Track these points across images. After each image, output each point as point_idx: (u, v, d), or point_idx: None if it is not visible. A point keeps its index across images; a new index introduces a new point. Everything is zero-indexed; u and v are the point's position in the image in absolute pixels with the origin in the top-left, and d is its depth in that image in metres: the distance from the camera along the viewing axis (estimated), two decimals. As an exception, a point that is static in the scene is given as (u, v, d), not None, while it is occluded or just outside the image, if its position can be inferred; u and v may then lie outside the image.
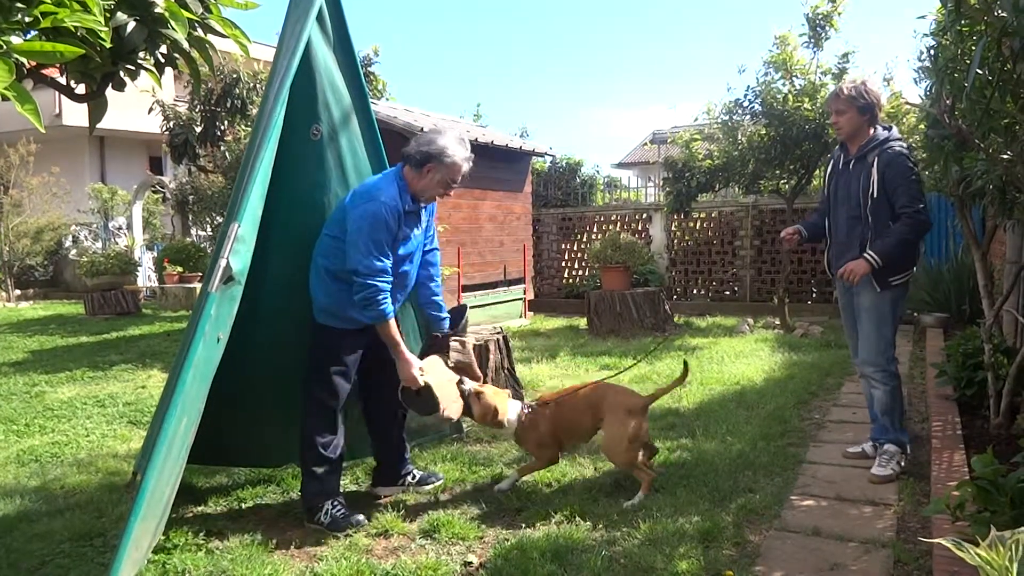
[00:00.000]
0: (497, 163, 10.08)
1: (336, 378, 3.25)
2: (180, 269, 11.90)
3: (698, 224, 11.53)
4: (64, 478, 3.94)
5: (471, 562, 2.85)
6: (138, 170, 18.14)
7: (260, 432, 3.68)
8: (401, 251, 3.25)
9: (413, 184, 3.25)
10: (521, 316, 10.68)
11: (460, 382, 3.46)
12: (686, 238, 11.63)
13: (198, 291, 3.87)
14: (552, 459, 3.61)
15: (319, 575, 2.77)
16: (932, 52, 3.42)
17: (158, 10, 2.47)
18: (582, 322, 9.53)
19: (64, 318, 11.17)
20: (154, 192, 15.52)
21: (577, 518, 3.18)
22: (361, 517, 3.20)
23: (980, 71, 2.78)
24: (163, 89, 5.96)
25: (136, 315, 11.04)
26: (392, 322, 3.22)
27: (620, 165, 24.56)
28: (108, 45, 2.28)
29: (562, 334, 8.95)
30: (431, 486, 3.62)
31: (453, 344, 3.55)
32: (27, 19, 1.97)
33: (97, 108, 2.75)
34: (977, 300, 5.35)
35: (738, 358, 6.82)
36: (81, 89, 2.77)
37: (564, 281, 12.61)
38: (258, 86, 10.41)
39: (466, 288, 9.57)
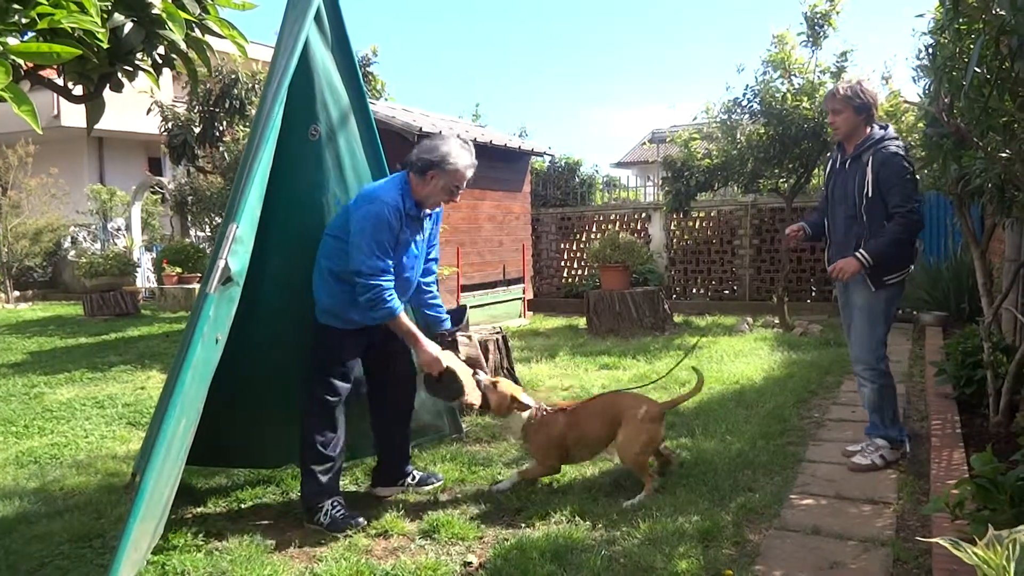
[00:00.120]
0: (496, 163, 10.07)
1: (337, 378, 3.25)
2: (179, 270, 11.88)
3: (697, 223, 11.52)
4: (63, 479, 3.93)
5: (471, 562, 2.85)
6: (137, 171, 18.13)
7: (259, 432, 3.68)
8: (404, 259, 3.27)
9: (417, 190, 3.26)
10: (520, 316, 10.68)
11: (474, 374, 3.51)
12: (685, 237, 11.63)
13: (197, 292, 3.86)
14: (554, 468, 3.59)
15: (319, 575, 2.77)
16: (930, 50, 3.43)
17: (155, 11, 2.47)
18: (581, 322, 9.53)
19: (63, 319, 11.16)
20: (153, 193, 15.51)
21: (577, 518, 3.17)
22: (361, 518, 3.20)
23: (978, 69, 2.78)
24: (161, 90, 5.96)
25: (135, 316, 11.04)
26: (403, 315, 3.25)
27: (619, 164, 24.55)
28: (105, 46, 2.28)
29: (561, 334, 8.95)
30: (431, 487, 3.62)
31: (461, 339, 3.60)
32: (24, 20, 1.97)
33: (95, 109, 2.75)
34: (976, 298, 5.35)
35: (737, 357, 6.82)
36: (79, 90, 2.77)
37: (563, 281, 12.60)
38: (257, 87, 10.40)
39: (465, 288, 9.56)
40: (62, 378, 6.66)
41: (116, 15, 2.39)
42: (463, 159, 3.25)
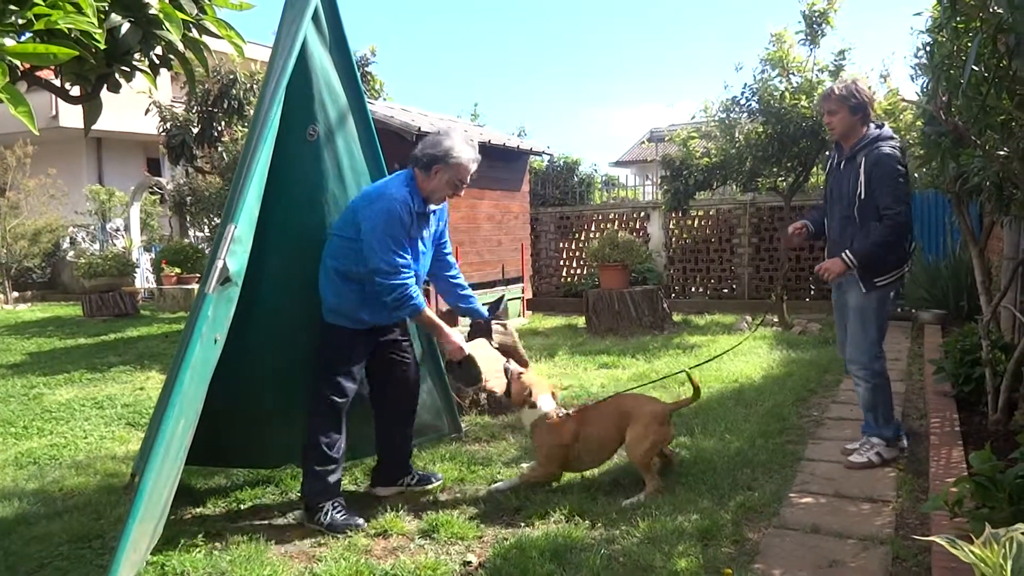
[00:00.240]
0: (495, 162, 10.05)
1: (344, 378, 3.26)
2: (178, 270, 11.88)
3: (696, 222, 11.52)
4: (62, 480, 3.93)
5: (470, 561, 2.85)
6: (135, 171, 18.12)
7: (258, 432, 3.68)
8: (411, 254, 3.27)
9: (423, 186, 3.28)
10: (520, 315, 10.68)
11: (506, 362, 3.60)
12: (684, 236, 11.63)
13: (196, 292, 3.86)
14: (554, 475, 3.58)
15: (318, 575, 2.77)
16: (928, 49, 3.43)
17: (152, 11, 2.47)
18: (580, 321, 9.53)
19: (62, 320, 11.16)
20: (151, 193, 15.51)
21: (576, 517, 3.18)
22: (360, 520, 3.20)
23: (976, 67, 2.78)
24: (160, 90, 5.95)
25: (134, 316, 11.04)
26: (427, 309, 3.27)
27: (618, 164, 24.53)
28: (102, 47, 2.28)
29: (560, 333, 8.95)
30: (430, 486, 3.61)
31: (496, 327, 3.68)
32: (20, 21, 1.97)
33: (92, 110, 2.75)
34: (975, 296, 5.36)
35: (736, 356, 6.82)
36: (76, 91, 2.77)
37: (562, 280, 12.60)
38: (255, 87, 10.40)
39: (464, 287, 9.54)
40: (61, 379, 6.66)
41: (113, 15, 2.38)
42: (467, 152, 3.28)
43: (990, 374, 4.01)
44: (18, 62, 2.03)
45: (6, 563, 2.95)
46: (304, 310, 3.39)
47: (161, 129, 11.17)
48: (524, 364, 3.82)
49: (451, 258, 3.68)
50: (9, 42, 1.93)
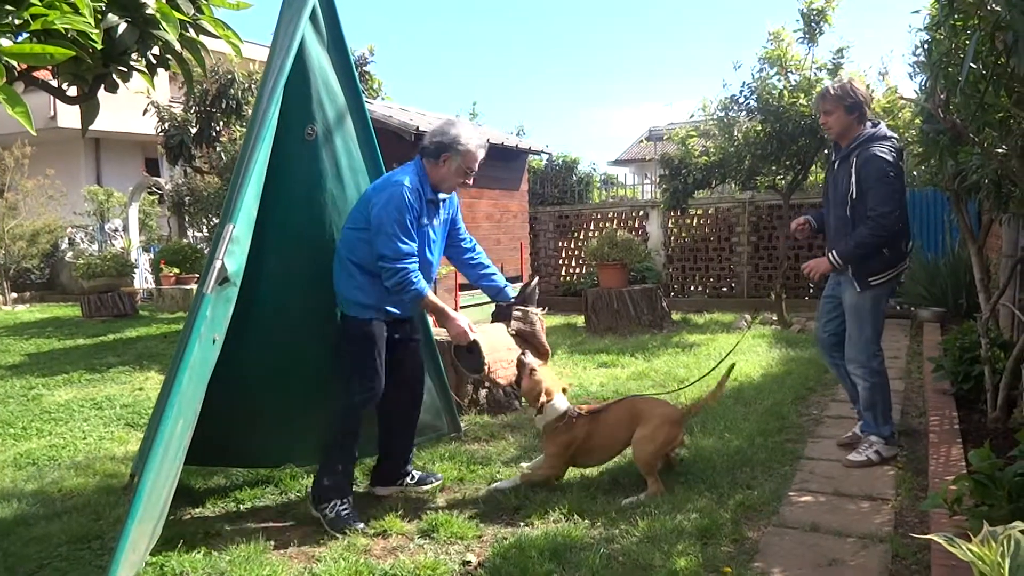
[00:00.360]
0: (494, 161, 9.99)
1: (375, 371, 3.27)
2: (177, 270, 11.86)
3: (695, 221, 11.53)
4: (61, 481, 3.93)
5: (470, 561, 2.85)
6: (134, 172, 18.10)
7: (258, 432, 3.67)
8: (424, 242, 3.30)
9: (432, 175, 3.31)
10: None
11: (522, 353, 3.49)
12: (683, 235, 11.63)
13: (194, 292, 3.86)
14: (558, 475, 3.57)
15: (318, 575, 2.77)
16: (926, 46, 3.42)
17: (149, 11, 2.47)
18: (579, 320, 9.53)
19: (61, 320, 11.14)
20: (150, 194, 15.49)
21: (575, 516, 3.18)
22: (361, 524, 3.19)
23: (974, 65, 2.78)
24: (157, 90, 5.95)
25: (133, 317, 11.02)
26: (430, 294, 3.27)
27: (616, 162, 24.53)
28: (99, 47, 2.27)
29: (560, 332, 8.95)
30: (430, 486, 3.61)
31: (515, 313, 3.60)
32: (17, 21, 1.96)
33: (89, 110, 2.75)
34: (974, 294, 5.36)
35: (735, 354, 6.80)
36: (73, 91, 2.77)
37: (561, 279, 12.60)
38: (253, 87, 10.37)
39: (463, 287, 9.52)
40: (60, 379, 6.65)
41: (110, 16, 2.38)
42: (475, 139, 3.31)
43: (989, 372, 4.02)
44: (15, 62, 2.03)
45: (5, 564, 2.95)
46: (303, 310, 3.39)
47: (159, 129, 11.14)
48: (544, 354, 3.64)
49: (467, 243, 3.67)
50: (6, 42, 1.92)
